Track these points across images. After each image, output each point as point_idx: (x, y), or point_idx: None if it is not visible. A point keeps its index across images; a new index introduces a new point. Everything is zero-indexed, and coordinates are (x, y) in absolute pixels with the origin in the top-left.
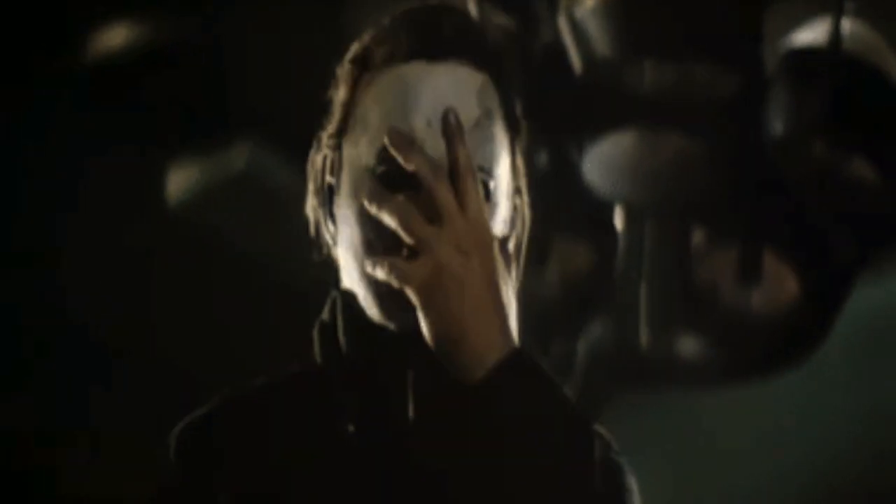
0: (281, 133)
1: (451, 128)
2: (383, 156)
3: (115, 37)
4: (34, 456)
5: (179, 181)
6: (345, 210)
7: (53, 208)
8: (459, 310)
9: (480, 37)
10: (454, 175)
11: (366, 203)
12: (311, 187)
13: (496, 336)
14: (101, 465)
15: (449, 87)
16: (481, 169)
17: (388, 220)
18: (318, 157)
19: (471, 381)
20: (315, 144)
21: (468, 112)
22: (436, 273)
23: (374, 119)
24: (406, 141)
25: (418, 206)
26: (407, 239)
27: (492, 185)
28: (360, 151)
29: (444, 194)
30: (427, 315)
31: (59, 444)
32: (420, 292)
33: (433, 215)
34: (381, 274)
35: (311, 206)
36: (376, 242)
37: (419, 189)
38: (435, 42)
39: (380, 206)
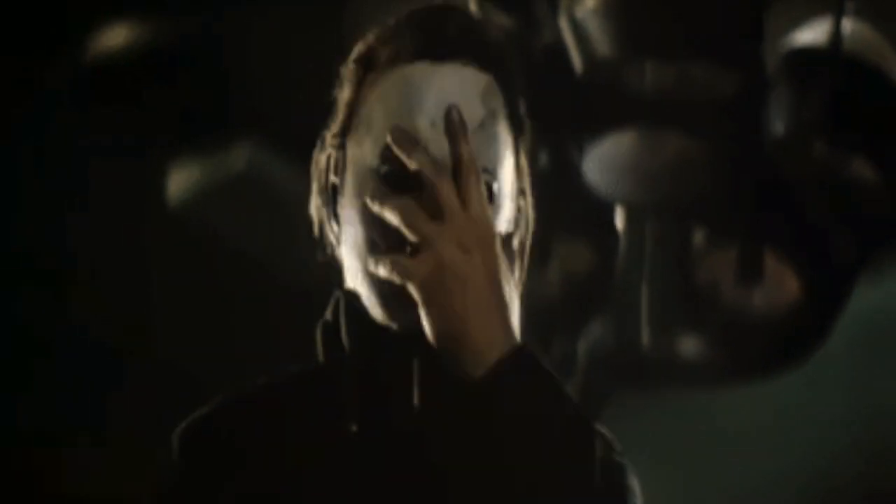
0: (282, 134)
1: (454, 125)
2: (387, 156)
3: (116, 37)
4: (36, 456)
5: (180, 182)
6: (349, 210)
7: (54, 209)
8: (461, 307)
9: (484, 37)
10: (457, 172)
11: (368, 201)
12: (314, 187)
13: (498, 333)
14: (103, 464)
15: (453, 87)
16: (485, 170)
17: (391, 217)
18: (322, 157)
19: (473, 378)
20: (319, 143)
21: (473, 113)
22: (438, 270)
23: (378, 119)
24: (409, 139)
25: (421, 204)
26: (409, 236)
27: (495, 186)
28: (364, 151)
29: (446, 191)
30: (429, 312)
31: (61, 444)
32: (422, 289)
33: (436, 212)
34: (383, 271)
35: (314, 205)
36: (379, 241)
37: (422, 187)
38: (439, 43)
39: (382, 204)
